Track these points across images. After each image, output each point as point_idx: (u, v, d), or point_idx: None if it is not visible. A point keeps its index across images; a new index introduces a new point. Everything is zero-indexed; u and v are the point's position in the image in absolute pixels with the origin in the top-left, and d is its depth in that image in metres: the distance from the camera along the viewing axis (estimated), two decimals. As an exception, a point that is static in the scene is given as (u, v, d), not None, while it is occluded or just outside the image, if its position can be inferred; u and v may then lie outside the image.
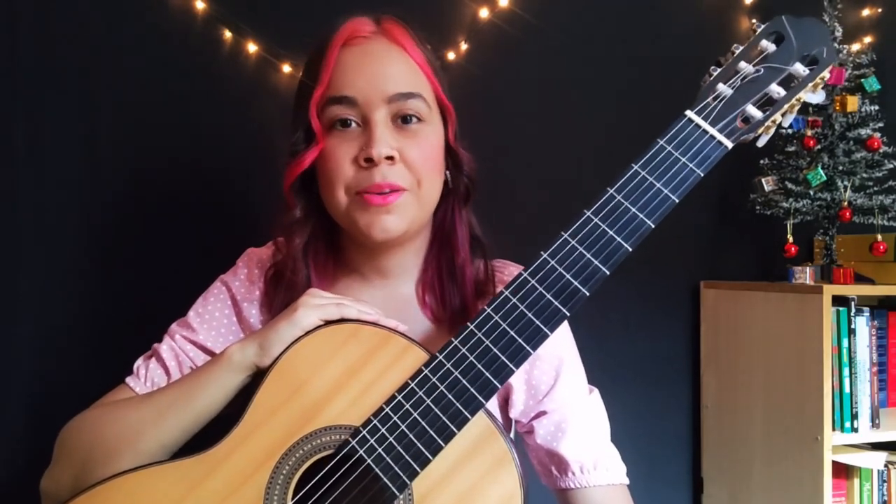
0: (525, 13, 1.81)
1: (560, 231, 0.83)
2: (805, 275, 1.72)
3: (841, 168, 1.74)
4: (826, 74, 0.85)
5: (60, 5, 1.53)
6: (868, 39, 1.97)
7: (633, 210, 0.82)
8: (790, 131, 1.75)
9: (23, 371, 1.51)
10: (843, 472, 1.71)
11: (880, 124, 1.73)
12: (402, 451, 0.79)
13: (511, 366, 0.80)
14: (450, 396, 0.79)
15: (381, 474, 0.78)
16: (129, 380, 0.98)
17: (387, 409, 0.80)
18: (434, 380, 0.80)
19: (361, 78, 0.92)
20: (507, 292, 0.82)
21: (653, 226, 0.82)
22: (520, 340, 0.80)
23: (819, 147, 1.74)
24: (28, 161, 1.51)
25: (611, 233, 0.81)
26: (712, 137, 0.83)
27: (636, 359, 1.93)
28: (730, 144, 0.83)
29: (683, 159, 0.83)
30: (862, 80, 1.71)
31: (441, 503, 0.79)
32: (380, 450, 0.79)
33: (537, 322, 0.80)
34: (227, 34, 1.64)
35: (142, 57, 1.58)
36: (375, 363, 0.83)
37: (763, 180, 1.75)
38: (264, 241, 1.13)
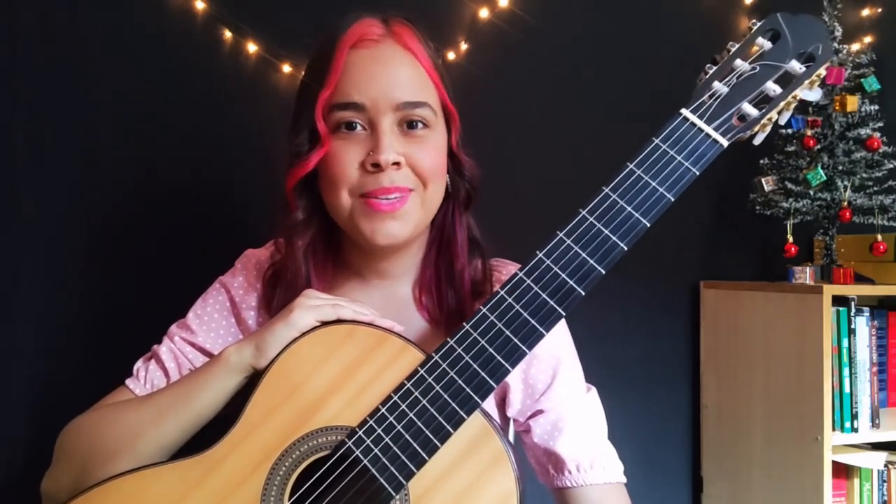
0: (525, 13, 1.81)
1: (556, 231, 0.83)
2: (805, 275, 1.71)
3: (841, 168, 1.74)
4: (822, 72, 0.85)
5: (60, 5, 1.53)
6: (868, 39, 1.97)
7: (629, 209, 0.82)
8: (790, 131, 1.75)
9: (23, 372, 1.51)
10: (843, 472, 1.71)
11: (880, 124, 1.72)
12: (398, 451, 0.79)
13: (507, 366, 0.80)
14: (446, 397, 0.79)
15: (377, 475, 0.78)
16: (128, 381, 0.98)
17: (383, 410, 0.80)
18: (430, 380, 0.80)
19: (371, 84, 0.91)
20: (502, 292, 0.82)
21: (648, 224, 0.82)
22: (515, 340, 0.80)
23: (819, 147, 1.74)
24: (28, 161, 1.51)
25: (606, 232, 0.81)
26: (708, 136, 0.83)
27: (636, 358, 1.93)
28: (725, 142, 0.83)
29: (679, 158, 0.83)
30: (862, 79, 1.71)
31: (437, 503, 0.79)
32: (376, 450, 0.79)
33: (532, 322, 0.80)
34: (227, 34, 1.64)
35: (142, 57, 1.58)
36: (371, 364, 0.83)
37: (763, 180, 1.75)
38: (263, 241, 1.12)
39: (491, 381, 0.79)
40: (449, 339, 0.81)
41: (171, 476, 0.81)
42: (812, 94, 0.87)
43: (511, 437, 1.07)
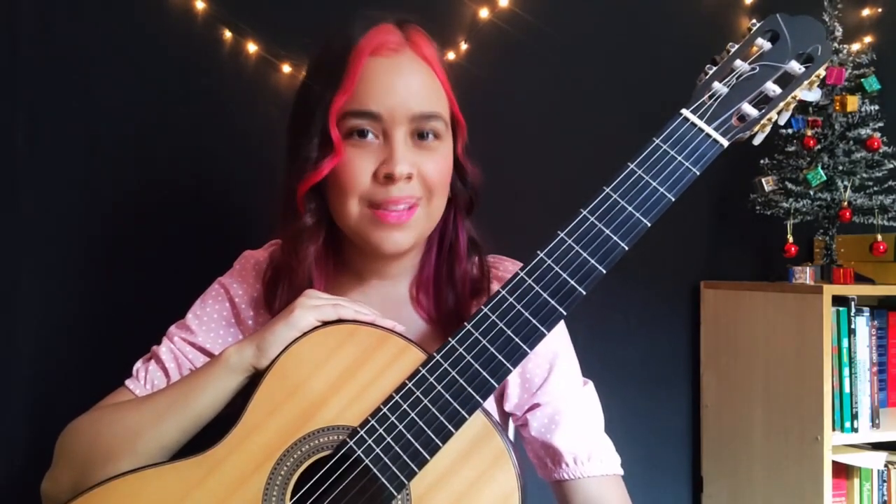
0: (525, 13, 1.81)
1: (557, 230, 0.83)
2: (805, 275, 1.71)
3: (841, 168, 1.74)
4: (822, 72, 0.85)
5: (60, 5, 1.53)
6: (868, 39, 1.98)
7: (630, 209, 0.82)
8: (790, 131, 1.75)
9: (23, 372, 1.51)
10: (843, 472, 1.71)
11: (880, 124, 1.73)
12: (399, 451, 0.79)
13: (508, 365, 0.80)
14: (447, 396, 0.79)
15: (378, 475, 0.78)
16: (128, 382, 0.98)
17: (384, 410, 0.80)
18: (431, 380, 0.80)
19: (388, 95, 0.90)
20: (503, 292, 0.82)
21: (649, 224, 0.82)
22: (517, 340, 0.80)
23: (819, 147, 1.74)
24: (28, 161, 1.51)
25: (607, 232, 0.82)
26: (708, 136, 0.83)
27: (637, 358, 1.93)
28: (725, 142, 0.83)
29: (679, 158, 0.83)
30: (862, 79, 1.71)
31: (439, 502, 0.79)
32: (377, 450, 0.79)
33: (534, 321, 0.81)
34: (227, 34, 1.64)
35: (142, 57, 1.58)
36: (373, 363, 0.83)
37: (763, 180, 1.75)
38: (261, 242, 1.13)
39: (492, 381, 0.80)
40: (450, 339, 0.81)
41: (171, 476, 0.81)
42: (811, 94, 0.87)
43: (511, 435, 1.07)
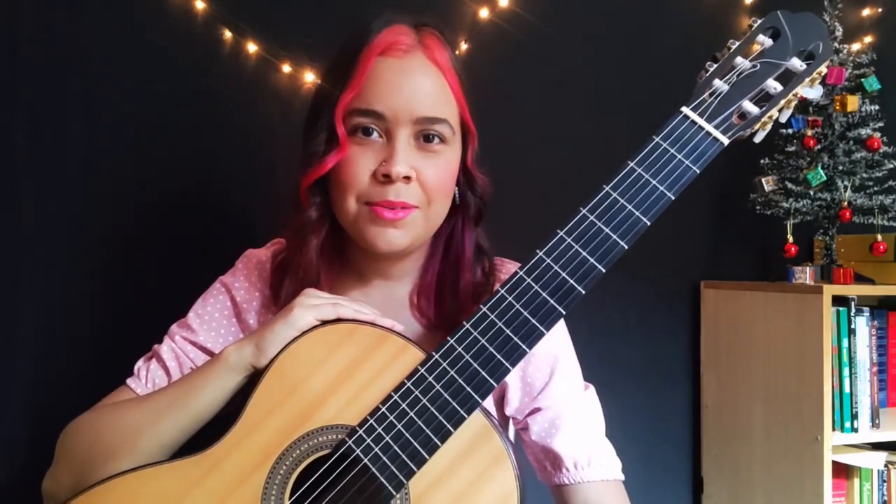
0: (525, 13, 1.81)
1: (556, 229, 0.83)
2: (805, 275, 1.71)
3: (841, 168, 1.74)
4: (823, 69, 0.85)
5: (60, 5, 1.53)
6: (868, 39, 1.97)
7: (630, 207, 0.82)
8: (790, 131, 1.75)
9: (23, 372, 1.51)
10: (843, 472, 1.71)
11: (880, 124, 1.72)
12: (398, 450, 0.79)
13: (507, 365, 0.80)
14: (446, 396, 0.79)
15: (377, 474, 0.78)
16: (129, 381, 0.98)
17: (383, 409, 0.80)
18: (430, 379, 0.80)
19: (393, 96, 0.91)
20: (502, 291, 0.82)
21: (649, 223, 0.82)
22: (515, 339, 0.80)
23: (819, 147, 1.74)
24: (28, 161, 1.51)
25: (606, 230, 0.81)
26: (708, 134, 0.83)
27: (636, 358, 1.93)
28: (726, 140, 0.83)
29: (679, 156, 0.83)
30: (862, 79, 1.71)
31: (437, 502, 0.79)
32: (376, 449, 0.79)
33: (533, 321, 0.80)
34: (227, 34, 1.64)
35: (142, 57, 1.57)
36: (372, 363, 0.83)
37: (763, 180, 1.75)
38: (262, 241, 1.13)
39: (491, 381, 0.79)
40: (449, 338, 0.81)
41: (171, 475, 0.81)
42: (813, 91, 0.87)
43: (511, 437, 1.07)
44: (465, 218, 1.03)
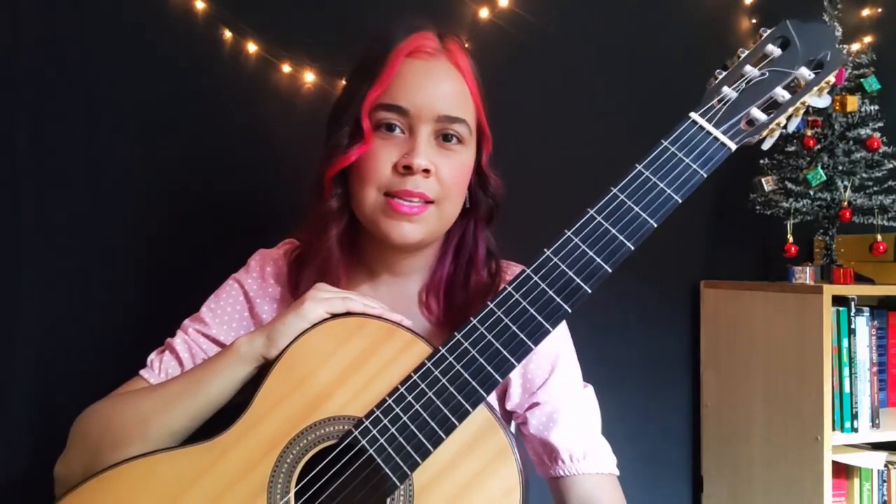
0: (525, 13, 1.81)
1: (563, 230, 0.84)
2: (805, 275, 1.72)
3: (841, 168, 1.74)
4: (832, 79, 0.86)
5: (61, 5, 1.53)
6: (868, 39, 1.98)
7: (637, 209, 0.83)
8: (790, 131, 1.75)
9: (23, 373, 1.51)
10: (843, 472, 1.71)
11: (880, 124, 1.73)
12: (403, 442, 0.80)
13: (512, 360, 0.81)
14: (451, 389, 0.81)
15: (382, 465, 0.80)
16: (143, 371, 1.01)
17: (389, 401, 0.82)
18: (436, 373, 0.82)
19: (418, 93, 0.96)
20: (510, 288, 0.83)
21: (655, 225, 0.83)
22: (521, 336, 0.82)
23: (819, 147, 1.74)
24: (30, 161, 1.51)
25: (614, 231, 0.83)
26: (716, 139, 0.84)
27: (637, 358, 1.94)
28: (734, 146, 0.84)
29: (687, 160, 0.84)
30: (862, 79, 1.72)
31: (440, 494, 0.81)
32: (382, 440, 0.80)
33: (539, 318, 0.82)
34: (227, 34, 1.63)
35: (142, 57, 1.57)
36: (379, 356, 0.84)
37: (763, 180, 1.75)
38: (267, 240, 1.14)
39: (496, 375, 0.81)
40: (456, 333, 0.83)
41: (181, 461, 0.83)
42: (821, 101, 0.88)
43: (512, 431, 1.08)
44: (478, 218, 1.07)
